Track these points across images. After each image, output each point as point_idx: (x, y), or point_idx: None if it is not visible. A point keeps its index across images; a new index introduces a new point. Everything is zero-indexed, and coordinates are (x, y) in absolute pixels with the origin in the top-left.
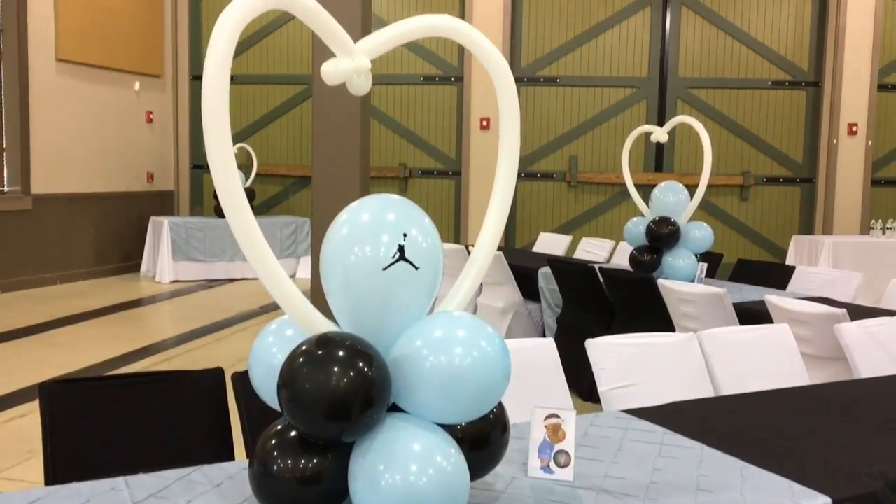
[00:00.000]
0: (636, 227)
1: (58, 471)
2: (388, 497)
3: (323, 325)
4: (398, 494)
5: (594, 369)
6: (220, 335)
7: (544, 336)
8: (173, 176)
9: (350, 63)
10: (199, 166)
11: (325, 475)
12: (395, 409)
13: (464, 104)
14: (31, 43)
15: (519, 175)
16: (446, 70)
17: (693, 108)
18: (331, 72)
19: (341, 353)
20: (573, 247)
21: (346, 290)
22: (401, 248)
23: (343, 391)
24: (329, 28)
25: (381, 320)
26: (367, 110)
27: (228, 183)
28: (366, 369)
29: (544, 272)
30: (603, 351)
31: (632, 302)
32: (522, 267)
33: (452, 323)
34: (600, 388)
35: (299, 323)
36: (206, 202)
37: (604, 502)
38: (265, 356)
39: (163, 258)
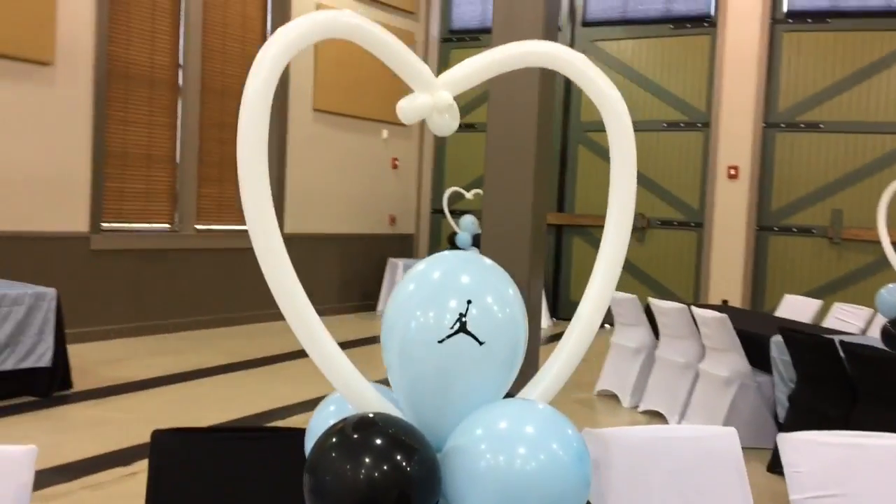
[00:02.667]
0: (891, 296)
1: None
2: None
3: (375, 404)
4: None
5: (786, 471)
6: None
7: (775, 415)
8: (414, 220)
9: (429, 99)
10: (439, 211)
11: None
12: None
13: (710, 151)
14: (291, 94)
15: (772, 229)
16: (692, 116)
17: None
18: (406, 109)
19: (379, 441)
20: (823, 313)
21: (402, 364)
22: (461, 318)
23: (372, 487)
24: (402, 59)
25: (441, 405)
26: (548, 149)
27: (263, 221)
28: (404, 463)
29: (777, 341)
30: (799, 449)
31: (879, 385)
32: (754, 333)
33: (524, 414)
34: (792, 496)
35: (350, 399)
36: (442, 246)
37: None
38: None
39: None
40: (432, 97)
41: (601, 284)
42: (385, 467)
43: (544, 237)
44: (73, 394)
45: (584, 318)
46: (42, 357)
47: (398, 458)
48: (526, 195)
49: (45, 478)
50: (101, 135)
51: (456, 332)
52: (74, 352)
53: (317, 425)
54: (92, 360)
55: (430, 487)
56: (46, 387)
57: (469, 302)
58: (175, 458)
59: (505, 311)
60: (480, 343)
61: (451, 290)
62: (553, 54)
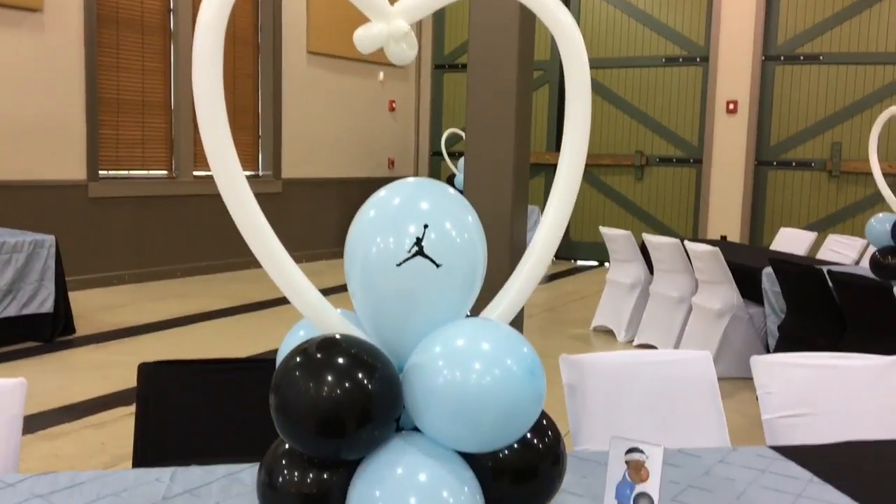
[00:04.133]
0: (881, 225)
1: (147, 451)
2: None
3: (339, 327)
4: None
5: (758, 392)
6: None
7: (766, 345)
8: (413, 162)
9: (384, 27)
10: (438, 153)
11: (333, 494)
12: (416, 430)
13: (709, 86)
14: (285, 37)
15: (771, 164)
16: (691, 50)
17: None
18: (362, 37)
19: (341, 360)
20: (818, 245)
21: (364, 289)
22: (418, 242)
23: (334, 404)
24: None
25: (402, 326)
26: (527, 83)
27: (219, 146)
28: (365, 381)
29: (768, 272)
30: (771, 371)
31: (866, 313)
32: (746, 266)
33: (480, 332)
34: (763, 416)
35: (314, 321)
36: None
37: None
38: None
39: None
40: (388, 25)
41: (557, 208)
42: (347, 385)
43: (527, 175)
44: (75, 338)
45: (541, 241)
46: (44, 303)
47: (359, 375)
48: (507, 133)
49: (51, 418)
50: (94, 81)
51: (413, 256)
52: (76, 298)
53: (286, 350)
54: (93, 306)
55: (391, 403)
56: (49, 332)
57: (426, 226)
58: (161, 389)
59: (463, 235)
60: (438, 266)
61: (409, 216)
62: None
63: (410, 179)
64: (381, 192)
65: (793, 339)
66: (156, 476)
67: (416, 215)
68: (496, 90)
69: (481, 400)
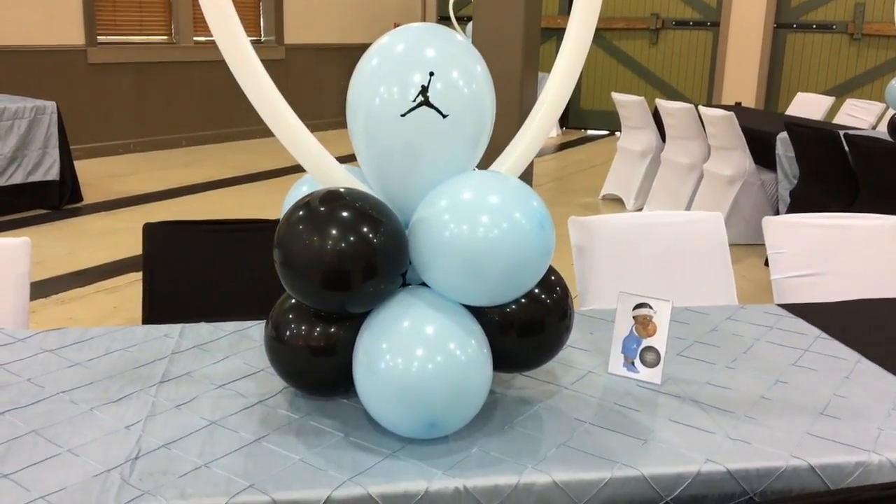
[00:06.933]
0: None
1: (155, 310)
2: (385, 382)
3: (343, 181)
4: (396, 381)
5: (769, 252)
6: None
7: (777, 211)
8: None
9: None
10: (447, 17)
11: (340, 347)
12: (423, 285)
13: None
14: None
15: (789, 26)
16: None
17: None
18: None
19: (345, 214)
20: (835, 110)
21: (368, 141)
22: (423, 90)
23: (339, 258)
24: None
25: (407, 179)
26: None
27: (217, 3)
28: (370, 234)
29: (783, 137)
30: (782, 231)
31: (881, 176)
32: (760, 131)
33: (488, 185)
34: (773, 276)
35: (318, 178)
36: None
37: (686, 414)
38: None
39: None
40: None
41: (568, 59)
42: (352, 238)
43: (538, 38)
44: (83, 206)
45: (552, 92)
46: (49, 170)
47: (364, 229)
48: None
49: (63, 283)
50: None
51: (418, 106)
52: (82, 167)
53: (288, 205)
54: (99, 175)
55: (397, 257)
56: (57, 199)
57: (431, 74)
58: (166, 250)
59: (471, 86)
60: (444, 116)
61: (415, 64)
62: None
63: (415, 25)
64: (384, 39)
65: (805, 203)
66: (165, 332)
67: (421, 63)
68: None
69: (489, 253)
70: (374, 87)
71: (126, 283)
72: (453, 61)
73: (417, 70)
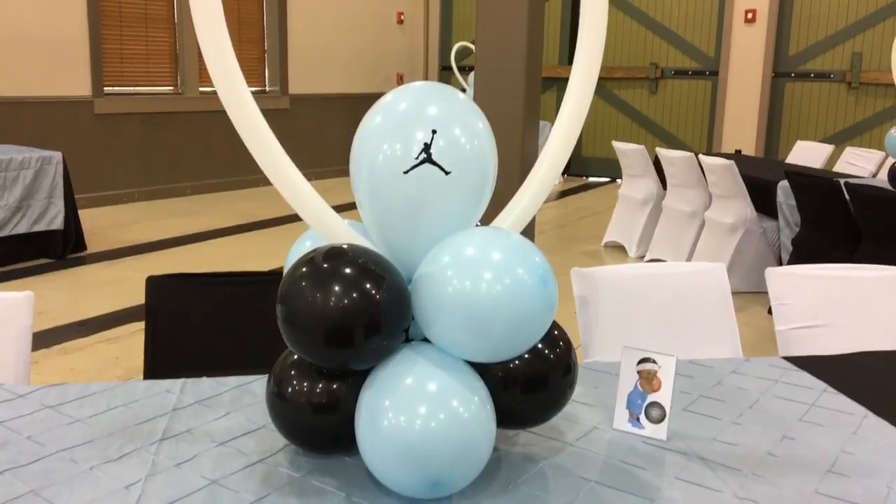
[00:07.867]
0: None
1: (157, 364)
2: (387, 440)
3: (345, 237)
4: (398, 439)
5: (773, 304)
6: None
7: (780, 260)
8: (422, 77)
9: None
10: (448, 68)
11: (342, 403)
12: (426, 341)
13: None
14: None
15: (788, 75)
16: None
17: None
18: None
19: (348, 270)
20: (835, 158)
21: (371, 197)
22: (426, 147)
23: (342, 314)
24: None
25: (410, 235)
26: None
27: (220, 55)
28: (373, 291)
29: (784, 185)
30: (786, 282)
31: (882, 226)
32: (761, 179)
33: (491, 241)
34: (777, 327)
35: (321, 233)
36: None
37: (692, 472)
38: None
39: None
40: None
41: (570, 114)
42: (355, 294)
43: (539, 88)
44: (87, 255)
45: (554, 147)
46: (54, 220)
47: (367, 286)
48: (519, 45)
49: (65, 333)
50: None
51: (421, 163)
52: (86, 216)
53: (292, 260)
54: (104, 224)
55: (399, 314)
56: (61, 249)
57: (434, 131)
58: (169, 302)
59: (473, 143)
60: (446, 173)
61: (417, 122)
62: None
63: (418, 83)
64: (388, 97)
65: (807, 252)
66: (166, 387)
67: (423, 121)
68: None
69: (492, 309)
70: (378, 143)
71: (128, 334)
72: (455, 118)
73: (420, 127)
